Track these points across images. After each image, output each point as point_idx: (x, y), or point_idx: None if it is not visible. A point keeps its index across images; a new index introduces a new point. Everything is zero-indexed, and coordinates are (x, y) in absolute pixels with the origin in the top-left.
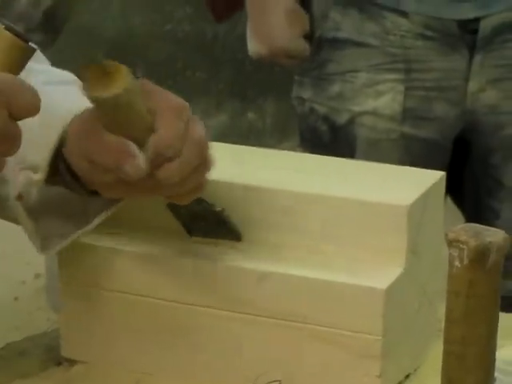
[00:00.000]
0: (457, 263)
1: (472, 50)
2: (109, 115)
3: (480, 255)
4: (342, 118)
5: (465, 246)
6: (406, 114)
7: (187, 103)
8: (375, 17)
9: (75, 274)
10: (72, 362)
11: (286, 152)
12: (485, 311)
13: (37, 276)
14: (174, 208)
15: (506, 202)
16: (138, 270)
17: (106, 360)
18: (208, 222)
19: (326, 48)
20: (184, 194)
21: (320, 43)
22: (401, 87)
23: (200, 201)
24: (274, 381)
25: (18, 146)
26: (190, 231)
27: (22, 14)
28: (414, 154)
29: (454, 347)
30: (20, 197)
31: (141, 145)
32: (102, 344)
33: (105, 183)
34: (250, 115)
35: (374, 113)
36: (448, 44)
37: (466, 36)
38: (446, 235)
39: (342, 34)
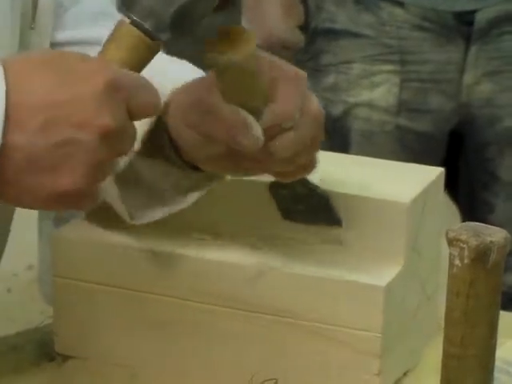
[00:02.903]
0: (457, 263)
1: (468, 42)
2: (230, 82)
3: (481, 255)
4: (336, 110)
5: (465, 246)
6: (401, 106)
7: (305, 73)
8: (371, 7)
9: (68, 268)
10: (65, 358)
11: None
12: (485, 311)
13: (29, 267)
14: (274, 188)
15: (501, 196)
16: (132, 264)
17: (99, 355)
18: (309, 205)
19: (321, 39)
20: (293, 171)
21: (315, 34)
22: (396, 79)
23: (304, 182)
24: (270, 379)
25: (133, 145)
26: (287, 214)
27: (153, 11)
28: (408, 147)
29: (453, 347)
30: None
31: (256, 115)
32: (96, 339)
33: (211, 156)
34: None
35: (368, 104)
36: (444, 35)
37: (462, 28)
38: (447, 234)
39: (337, 25)
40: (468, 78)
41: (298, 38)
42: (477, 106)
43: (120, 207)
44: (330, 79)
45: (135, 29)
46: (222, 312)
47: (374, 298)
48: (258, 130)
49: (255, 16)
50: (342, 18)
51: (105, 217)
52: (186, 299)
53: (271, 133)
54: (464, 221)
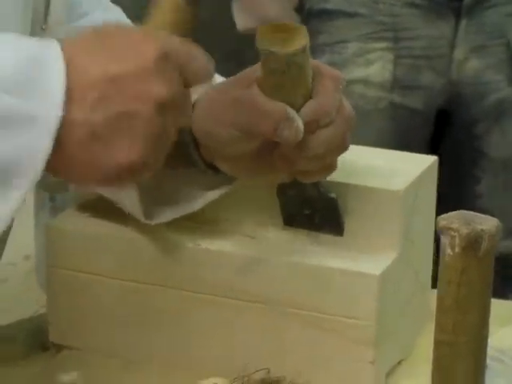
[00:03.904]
0: (448, 251)
1: (458, 17)
2: (278, 75)
3: (472, 243)
4: None
5: (456, 234)
6: (395, 83)
7: (342, 74)
8: None
9: (62, 258)
10: (59, 348)
11: None
12: (476, 299)
13: (26, 258)
14: (283, 189)
15: (488, 171)
16: (126, 254)
17: (93, 345)
18: (314, 210)
19: (316, 20)
20: (317, 170)
21: (309, 15)
22: (390, 56)
23: (316, 184)
24: (262, 369)
25: (189, 114)
26: (288, 219)
27: None
28: (400, 124)
29: (445, 335)
30: None
31: (295, 110)
32: (90, 329)
33: (236, 156)
34: None
35: (364, 81)
36: (435, 11)
37: (452, 3)
38: (438, 222)
39: (330, 6)
40: (458, 54)
41: (294, 19)
42: (465, 82)
43: (136, 205)
44: (325, 59)
45: None
46: (216, 301)
47: (368, 286)
48: (299, 122)
49: None
50: None
51: (98, 207)
52: (180, 289)
53: (309, 128)
54: (447, 198)
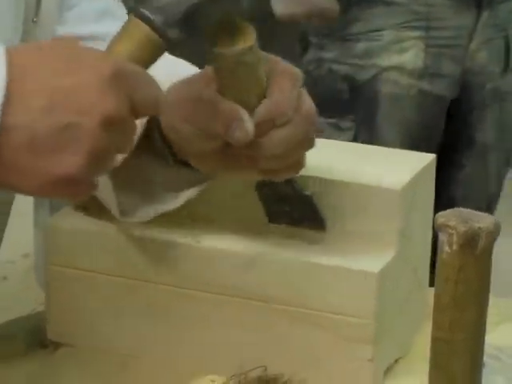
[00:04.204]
0: (446, 248)
1: (479, 9)
2: (228, 75)
3: (469, 241)
4: (366, 74)
5: (454, 231)
6: (425, 71)
7: (301, 72)
8: None
9: (61, 256)
10: (57, 345)
11: None
12: (474, 297)
13: (25, 256)
14: (259, 188)
15: (474, 157)
16: (125, 252)
17: (91, 343)
18: (293, 206)
19: (355, 8)
20: (281, 169)
21: (349, 4)
22: (422, 44)
23: (290, 182)
24: (259, 367)
25: (133, 141)
26: (271, 216)
27: (164, 7)
28: (426, 111)
29: (442, 333)
30: None
31: (250, 110)
32: (88, 327)
33: (205, 152)
34: None
35: (398, 67)
36: (465, 2)
37: None
38: (436, 220)
39: None
40: (472, 45)
41: (336, 7)
42: (472, 72)
43: (112, 203)
44: (361, 46)
45: (144, 24)
46: (214, 299)
47: (366, 284)
48: (250, 123)
49: None
50: None
51: (96, 206)
52: (178, 286)
53: (264, 128)
54: None
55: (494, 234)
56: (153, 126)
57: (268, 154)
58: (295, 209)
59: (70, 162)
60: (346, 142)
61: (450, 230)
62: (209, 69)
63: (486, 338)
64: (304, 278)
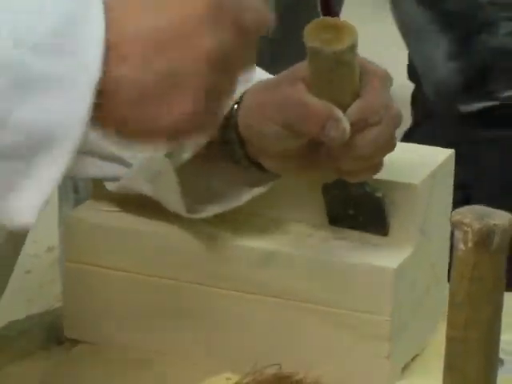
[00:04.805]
0: (461, 246)
1: None
2: (326, 74)
3: (484, 238)
4: None
5: (469, 229)
6: None
7: (390, 73)
8: None
9: (80, 252)
10: (74, 342)
11: None
12: (488, 295)
13: (50, 249)
14: (327, 188)
15: None
16: (143, 249)
17: (108, 341)
18: (359, 209)
19: None
20: (362, 170)
21: None
22: None
23: (362, 184)
24: (273, 364)
25: (243, 68)
26: (334, 218)
27: None
28: None
29: (456, 331)
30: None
31: (343, 109)
32: (105, 324)
33: (283, 152)
34: None
35: None
36: None
37: None
38: (452, 217)
39: None
40: None
41: None
42: None
43: (178, 199)
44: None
45: None
46: (232, 295)
47: (384, 280)
48: (346, 122)
49: None
50: None
51: (119, 200)
52: (197, 283)
53: (357, 127)
54: None
55: (509, 231)
56: (229, 123)
57: (358, 154)
58: (361, 212)
59: (181, 104)
60: None
61: (466, 228)
62: (296, 69)
63: (507, 335)
64: (321, 274)
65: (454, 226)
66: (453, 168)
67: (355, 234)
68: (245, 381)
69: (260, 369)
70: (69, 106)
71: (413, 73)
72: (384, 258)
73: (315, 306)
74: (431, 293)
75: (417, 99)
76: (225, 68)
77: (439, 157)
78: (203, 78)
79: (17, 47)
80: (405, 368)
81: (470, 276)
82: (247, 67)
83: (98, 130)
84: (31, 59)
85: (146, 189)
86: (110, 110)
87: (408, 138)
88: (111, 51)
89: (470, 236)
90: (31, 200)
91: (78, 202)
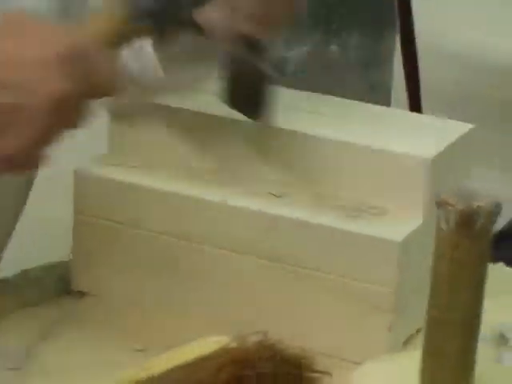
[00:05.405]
0: (443, 225)
1: None
2: None
3: (466, 219)
4: None
5: (452, 209)
6: None
7: None
8: None
9: (89, 205)
10: (82, 294)
11: (316, 95)
12: (469, 276)
13: None
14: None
15: None
16: (151, 206)
17: (115, 293)
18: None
19: None
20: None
21: None
22: None
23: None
24: (258, 331)
25: (83, 119)
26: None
27: None
28: None
29: (436, 312)
30: None
31: None
32: (113, 278)
33: None
34: (333, 48)
35: None
36: None
37: None
38: (437, 196)
39: None
40: None
41: None
42: None
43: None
44: None
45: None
46: (236, 258)
47: (389, 253)
48: None
49: None
50: None
51: (129, 154)
52: (201, 242)
53: None
54: None
55: (493, 214)
56: None
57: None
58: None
59: (14, 141)
60: (385, 108)
61: (449, 208)
62: None
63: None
64: (327, 243)
65: (439, 205)
66: (471, 143)
67: (363, 203)
68: (229, 347)
69: (244, 335)
70: None
71: None
72: (391, 230)
73: (319, 273)
74: None
75: None
76: (65, 114)
77: (458, 130)
78: (41, 120)
79: None
80: (407, 342)
81: (450, 257)
82: (83, 119)
83: None
84: None
85: None
86: None
87: None
88: None
89: (452, 216)
90: None
91: None
